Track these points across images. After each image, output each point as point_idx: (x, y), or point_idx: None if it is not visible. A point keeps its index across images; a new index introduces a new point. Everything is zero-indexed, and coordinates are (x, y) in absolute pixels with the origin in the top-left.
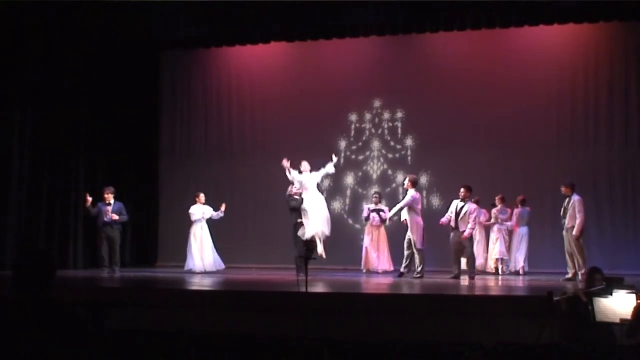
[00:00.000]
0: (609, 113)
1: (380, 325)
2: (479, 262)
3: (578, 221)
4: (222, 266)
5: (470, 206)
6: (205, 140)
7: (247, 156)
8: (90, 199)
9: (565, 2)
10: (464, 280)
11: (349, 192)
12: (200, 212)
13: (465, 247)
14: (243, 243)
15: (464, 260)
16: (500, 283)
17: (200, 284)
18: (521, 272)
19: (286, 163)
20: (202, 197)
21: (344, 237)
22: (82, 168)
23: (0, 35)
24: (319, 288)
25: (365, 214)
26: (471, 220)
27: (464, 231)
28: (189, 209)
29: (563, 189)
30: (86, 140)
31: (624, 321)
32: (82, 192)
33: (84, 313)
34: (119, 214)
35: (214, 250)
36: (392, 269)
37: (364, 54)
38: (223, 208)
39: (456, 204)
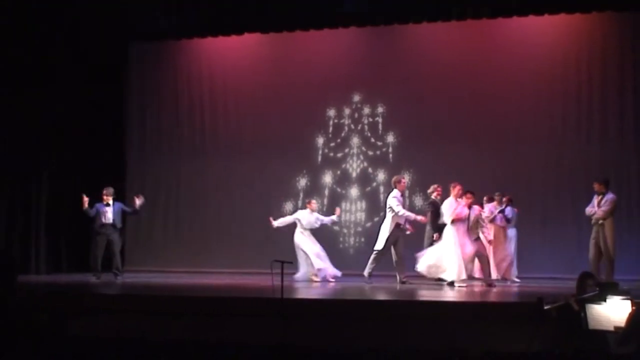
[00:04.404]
0: (602, 107)
1: (361, 332)
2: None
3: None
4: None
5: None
6: (176, 137)
7: (220, 154)
8: (87, 199)
9: None
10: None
11: (326, 192)
12: (313, 219)
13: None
14: (215, 246)
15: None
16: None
17: (169, 289)
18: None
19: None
20: (314, 203)
21: (322, 240)
22: (45, 169)
23: None
24: (296, 294)
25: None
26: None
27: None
28: (157, 208)
29: (596, 186)
30: (49, 139)
31: (618, 329)
32: (44, 192)
33: (45, 319)
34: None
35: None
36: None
37: (343, 45)
38: (338, 212)
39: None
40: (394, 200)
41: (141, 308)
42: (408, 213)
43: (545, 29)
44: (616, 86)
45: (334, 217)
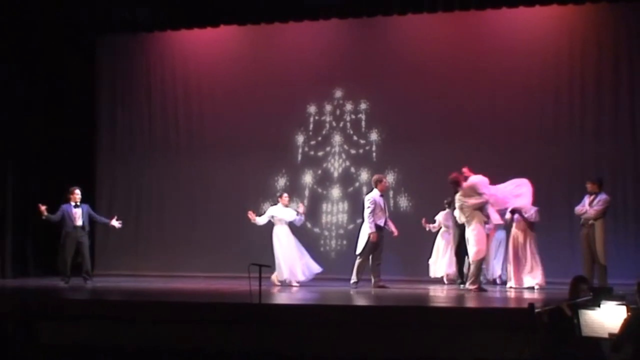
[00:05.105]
0: (596, 102)
1: (342, 339)
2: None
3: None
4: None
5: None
6: (148, 136)
7: (195, 152)
8: (44, 208)
9: None
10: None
11: (307, 192)
12: (289, 214)
13: None
14: (189, 249)
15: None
16: (475, 293)
17: (141, 294)
18: (498, 281)
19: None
20: (286, 197)
21: (302, 243)
22: (10, 169)
23: None
24: (274, 299)
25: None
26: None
27: None
28: (129, 209)
29: (589, 186)
30: (14, 136)
31: (612, 336)
32: (9, 193)
33: (12, 326)
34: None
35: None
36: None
37: (324, 38)
38: (302, 209)
39: None
40: (367, 202)
41: (113, 314)
42: (372, 222)
43: (536, 21)
44: (611, 81)
45: (301, 217)
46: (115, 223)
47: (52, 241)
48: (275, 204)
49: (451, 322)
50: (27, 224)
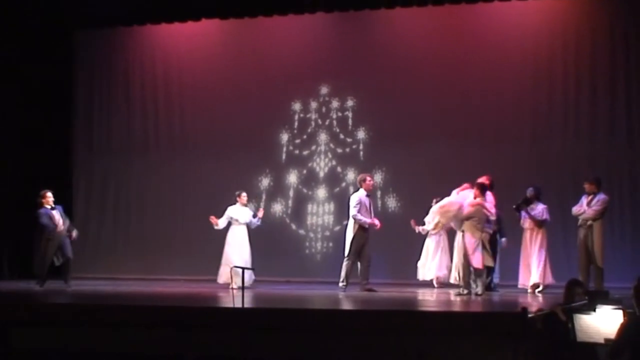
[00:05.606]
0: (591, 99)
1: (326, 345)
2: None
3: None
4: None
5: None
6: (127, 134)
7: (175, 151)
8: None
9: None
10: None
11: (291, 193)
12: (246, 214)
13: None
14: (169, 251)
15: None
16: (465, 297)
17: (119, 297)
18: (491, 284)
19: None
20: (244, 196)
21: (287, 245)
22: None
23: None
24: (257, 303)
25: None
26: None
27: None
28: (107, 210)
29: (587, 186)
30: None
31: (608, 341)
32: None
33: None
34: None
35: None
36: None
37: (309, 33)
38: (261, 214)
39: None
40: (352, 202)
41: (89, 318)
42: (361, 217)
43: (529, 14)
44: (606, 76)
45: (257, 220)
46: (74, 235)
47: (28, 244)
48: (234, 204)
49: (442, 327)
50: (2, 226)
